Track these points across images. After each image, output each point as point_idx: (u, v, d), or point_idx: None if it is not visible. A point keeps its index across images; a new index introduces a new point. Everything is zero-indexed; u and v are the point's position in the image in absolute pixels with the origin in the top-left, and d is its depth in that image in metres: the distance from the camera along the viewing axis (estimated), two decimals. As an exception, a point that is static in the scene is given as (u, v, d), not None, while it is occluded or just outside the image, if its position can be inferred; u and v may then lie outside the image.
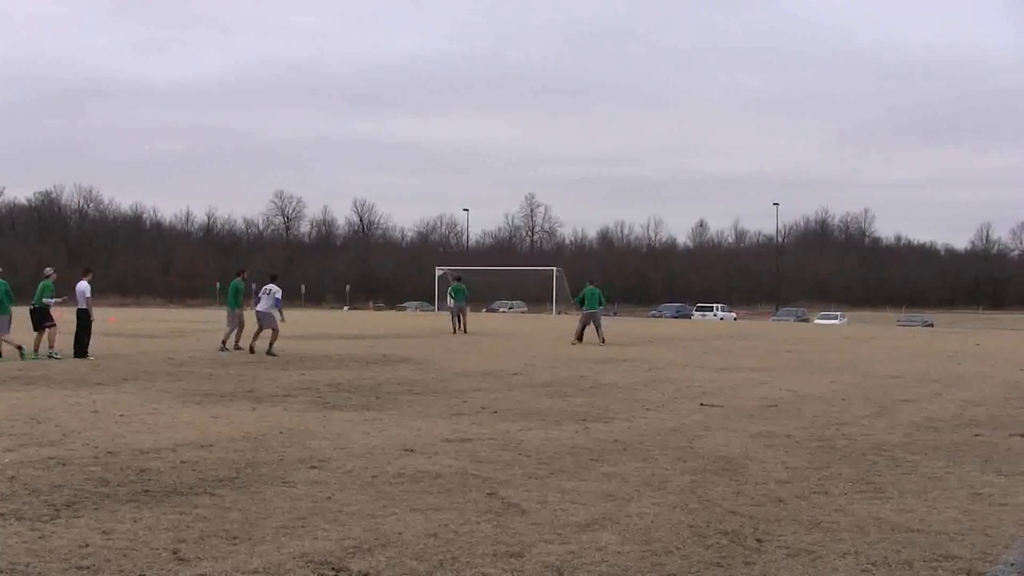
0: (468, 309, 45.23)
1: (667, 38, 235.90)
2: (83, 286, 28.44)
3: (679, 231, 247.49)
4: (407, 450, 11.85)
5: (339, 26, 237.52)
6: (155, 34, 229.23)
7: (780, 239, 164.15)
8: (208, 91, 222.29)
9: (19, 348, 25.72)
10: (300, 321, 46.52)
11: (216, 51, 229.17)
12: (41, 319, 27.71)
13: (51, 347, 27.12)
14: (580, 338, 36.83)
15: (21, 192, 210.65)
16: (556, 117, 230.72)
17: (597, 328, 36.61)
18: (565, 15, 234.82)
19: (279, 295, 29.77)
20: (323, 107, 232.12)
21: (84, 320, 27.68)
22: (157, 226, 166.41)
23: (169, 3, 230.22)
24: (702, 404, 17.37)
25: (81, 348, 27.06)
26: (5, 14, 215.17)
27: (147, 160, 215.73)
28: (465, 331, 42.80)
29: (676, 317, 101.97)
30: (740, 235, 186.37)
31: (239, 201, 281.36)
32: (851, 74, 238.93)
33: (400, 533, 7.88)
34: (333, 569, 6.94)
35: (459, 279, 45.81)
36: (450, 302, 45.25)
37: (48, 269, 28.87)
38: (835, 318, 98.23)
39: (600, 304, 37.31)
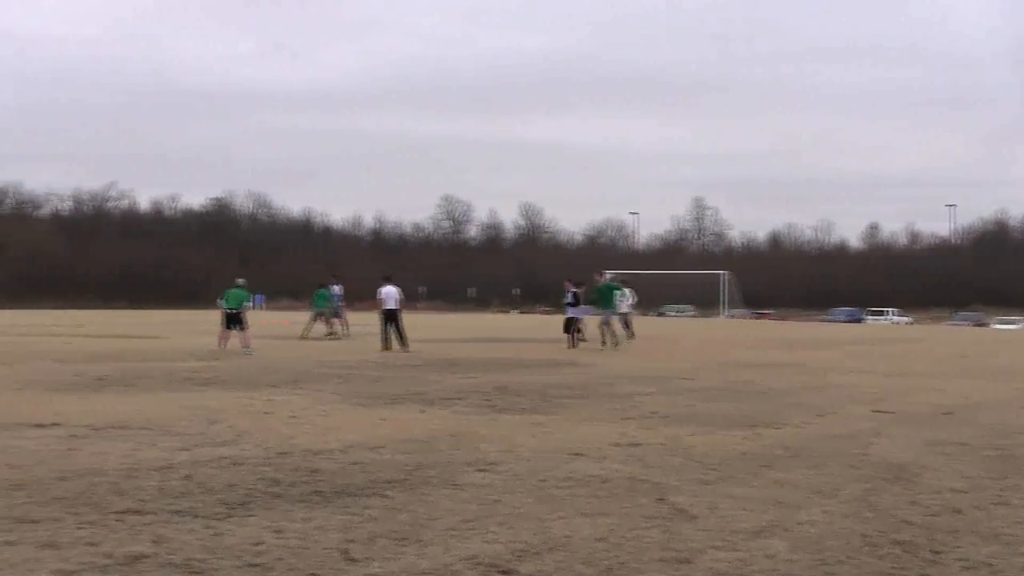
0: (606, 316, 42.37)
1: (812, 33, 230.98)
2: (391, 290, 32.56)
3: (850, 233, 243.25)
4: (575, 454, 11.84)
5: (473, 27, 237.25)
6: (286, 39, 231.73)
7: (955, 241, 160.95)
8: (347, 95, 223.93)
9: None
10: (468, 325, 46.78)
11: (353, 55, 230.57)
12: (236, 321, 30.69)
13: (245, 346, 28.61)
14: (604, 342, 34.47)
15: (195, 198, 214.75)
16: (710, 116, 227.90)
17: (604, 326, 34.68)
18: (712, 14, 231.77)
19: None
20: (468, 109, 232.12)
21: (395, 317, 31.98)
22: (326, 231, 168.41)
23: (303, 8, 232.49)
24: (874, 410, 17.09)
25: (403, 340, 31.77)
26: (144, 24, 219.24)
27: (303, 165, 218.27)
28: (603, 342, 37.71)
29: (848, 322, 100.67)
30: (913, 237, 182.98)
31: (404, 205, 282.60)
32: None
33: (568, 537, 7.88)
34: (501, 572, 6.96)
35: (624, 280, 41.81)
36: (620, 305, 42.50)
37: (240, 279, 31.53)
38: (1015, 323, 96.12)
39: (609, 304, 35.08)
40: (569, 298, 34.69)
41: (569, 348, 32.86)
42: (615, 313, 34.91)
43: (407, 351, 30.57)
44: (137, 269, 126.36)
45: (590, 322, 35.86)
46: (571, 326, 34.06)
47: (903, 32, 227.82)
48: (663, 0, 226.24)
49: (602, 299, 35.14)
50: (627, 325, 38.79)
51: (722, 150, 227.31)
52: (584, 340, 34.07)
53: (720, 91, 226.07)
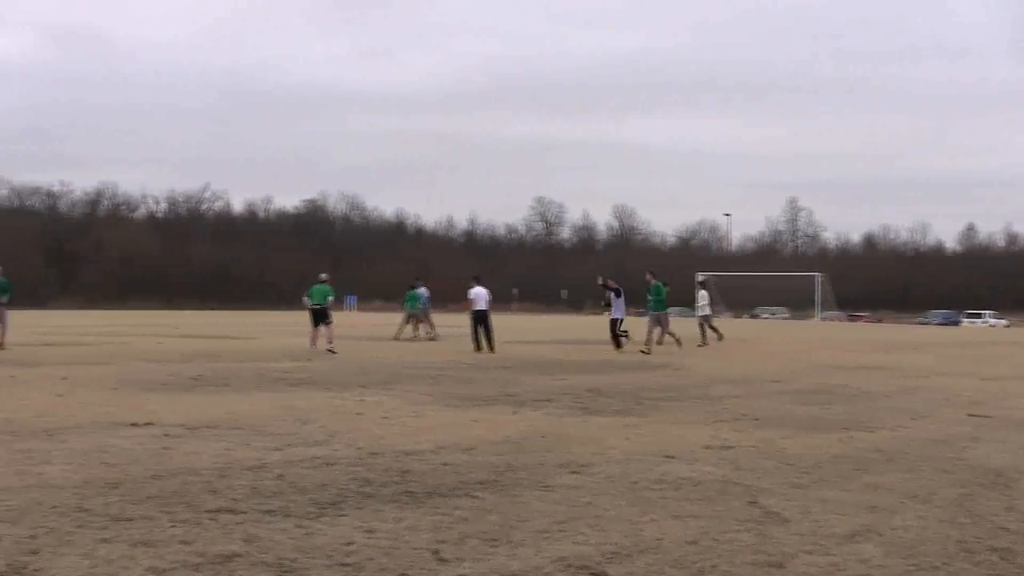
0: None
1: (907, 31, 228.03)
2: (481, 291, 32.91)
3: (946, 235, 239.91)
4: (667, 456, 11.79)
5: (562, 27, 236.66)
6: (377, 42, 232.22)
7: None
8: (440, 96, 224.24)
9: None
10: (560, 326, 46.75)
11: (437, 57, 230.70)
12: (322, 318, 31.19)
13: (329, 342, 29.00)
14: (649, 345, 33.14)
15: (288, 200, 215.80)
16: (804, 116, 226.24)
17: (649, 330, 33.55)
18: (804, 13, 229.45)
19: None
20: (560, 110, 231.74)
21: (484, 319, 32.37)
22: (419, 232, 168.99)
23: (387, 11, 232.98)
24: (970, 414, 16.87)
25: (490, 342, 32.00)
26: (238, 27, 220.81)
27: (396, 166, 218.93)
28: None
29: (944, 324, 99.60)
30: (1011, 239, 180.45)
31: (497, 206, 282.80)
32: None
33: (659, 539, 7.84)
34: (592, 574, 6.93)
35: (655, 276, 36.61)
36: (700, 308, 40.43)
37: (323, 275, 31.73)
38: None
39: (652, 305, 34.12)
40: (611, 298, 33.57)
41: (616, 350, 32.13)
42: (660, 314, 34.12)
43: (492, 353, 30.61)
44: (231, 270, 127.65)
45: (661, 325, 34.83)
46: (615, 327, 33.24)
47: (1001, 31, 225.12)
48: (753, 1, 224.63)
49: (652, 300, 34.31)
50: (704, 328, 38.15)
51: (816, 150, 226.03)
52: (628, 340, 33.30)
53: (813, 91, 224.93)
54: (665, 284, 34.43)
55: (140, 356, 27.53)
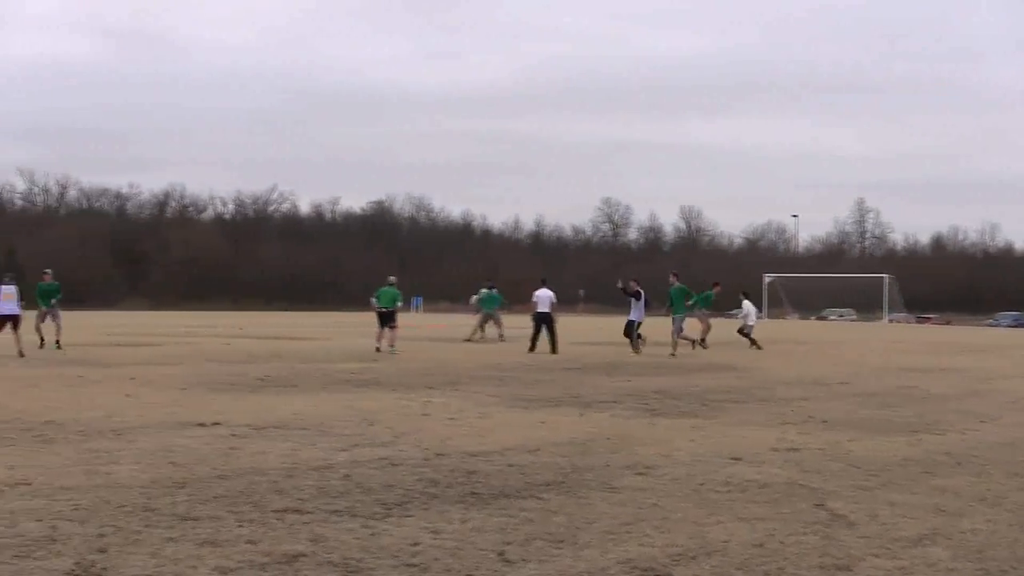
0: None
1: (974, 31, 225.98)
2: (545, 293, 33.13)
3: (1017, 236, 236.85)
4: (733, 459, 11.75)
5: (627, 27, 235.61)
6: (441, 42, 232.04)
7: None
8: (505, 97, 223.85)
9: None
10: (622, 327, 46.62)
11: (503, 57, 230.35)
12: (388, 320, 31.73)
13: (391, 344, 29.35)
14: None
15: (355, 201, 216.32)
16: (871, 116, 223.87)
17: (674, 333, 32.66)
18: (870, 13, 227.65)
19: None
20: (626, 110, 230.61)
21: (548, 320, 32.57)
22: (486, 234, 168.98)
23: (450, 11, 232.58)
24: (1040, 417, 16.75)
25: (553, 344, 31.96)
26: (303, 31, 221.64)
27: (462, 167, 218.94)
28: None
29: (1014, 326, 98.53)
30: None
31: (564, 207, 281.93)
32: None
33: (725, 542, 7.81)
34: (657, 575, 6.94)
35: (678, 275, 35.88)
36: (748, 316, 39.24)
37: (392, 278, 32.34)
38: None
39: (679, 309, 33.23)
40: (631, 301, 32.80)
41: (634, 353, 31.46)
42: (684, 318, 33.45)
43: (555, 354, 30.55)
44: (298, 271, 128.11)
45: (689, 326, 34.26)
46: (632, 329, 32.60)
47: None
48: (818, 1, 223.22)
49: (672, 303, 33.54)
50: (744, 333, 37.46)
51: (885, 151, 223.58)
52: (643, 342, 32.89)
53: (881, 91, 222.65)
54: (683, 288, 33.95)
55: (207, 357, 27.71)
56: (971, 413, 17.13)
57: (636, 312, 32.24)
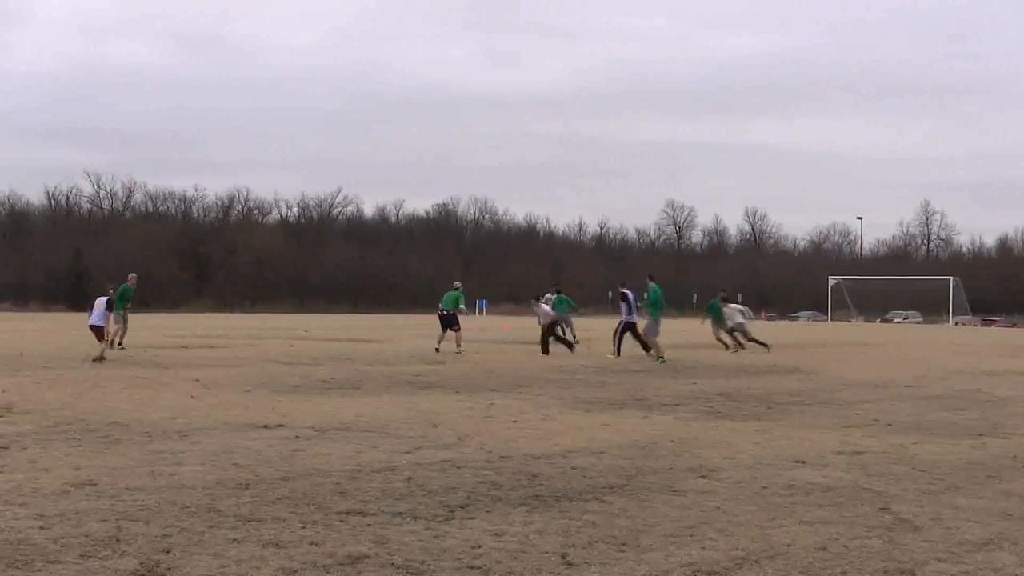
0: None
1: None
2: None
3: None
4: (797, 461, 11.71)
5: (690, 28, 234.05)
6: (504, 44, 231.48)
7: None
8: (569, 98, 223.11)
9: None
10: (689, 329, 46.51)
11: (565, 58, 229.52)
12: (449, 323, 32.03)
13: (457, 345, 29.45)
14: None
15: (420, 203, 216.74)
16: (936, 117, 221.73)
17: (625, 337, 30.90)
18: (939, 14, 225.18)
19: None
20: (681, 110, 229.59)
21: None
22: (550, 236, 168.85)
23: (515, 12, 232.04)
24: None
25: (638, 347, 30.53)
26: (367, 33, 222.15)
27: (526, 169, 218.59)
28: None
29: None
30: None
31: (628, 209, 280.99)
32: None
33: (789, 545, 7.79)
34: (719, 580, 6.92)
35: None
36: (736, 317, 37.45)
37: (457, 283, 32.61)
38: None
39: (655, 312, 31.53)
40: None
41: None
42: (658, 320, 32.64)
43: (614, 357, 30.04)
44: (362, 274, 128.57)
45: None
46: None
47: None
48: (885, 1, 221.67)
49: (650, 305, 32.75)
50: (736, 336, 36.46)
51: (950, 152, 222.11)
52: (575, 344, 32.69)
53: (944, 91, 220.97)
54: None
55: (272, 359, 27.84)
56: (1038, 416, 16.99)
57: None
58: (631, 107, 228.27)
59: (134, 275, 32.85)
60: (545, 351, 31.71)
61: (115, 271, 33.72)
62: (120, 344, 30.17)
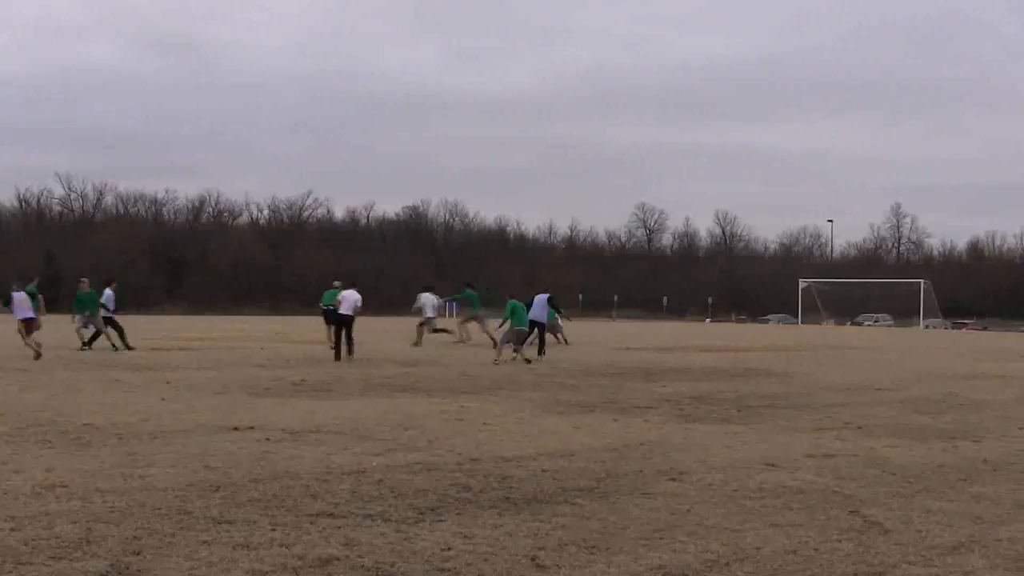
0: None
1: (1013, 34, 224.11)
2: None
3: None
4: (768, 465, 11.73)
5: (661, 31, 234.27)
6: (475, 46, 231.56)
7: None
8: (539, 102, 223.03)
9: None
10: (661, 333, 46.62)
11: (536, 61, 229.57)
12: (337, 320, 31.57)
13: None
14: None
15: (390, 206, 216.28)
16: (906, 120, 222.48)
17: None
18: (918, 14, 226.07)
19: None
20: (654, 114, 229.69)
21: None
22: (520, 239, 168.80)
23: (486, 15, 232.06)
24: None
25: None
26: (337, 36, 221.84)
27: (497, 172, 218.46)
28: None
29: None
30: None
31: (598, 213, 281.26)
32: None
33: (759, 548, 7.80)
34: (690, 582, 6.93)
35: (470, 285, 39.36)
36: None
37: (337, 282, 33.36)
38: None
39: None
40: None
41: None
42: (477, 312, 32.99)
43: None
44: (333, 277, 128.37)
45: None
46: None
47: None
48: (856, 2, 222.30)
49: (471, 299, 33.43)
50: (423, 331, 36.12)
51: (920, 156, 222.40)
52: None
53: (915, 95, 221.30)
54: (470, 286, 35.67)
55: (244, 361, 27.80)
56: (1011, 419, 17.05)
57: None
58: (601, 110, 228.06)
59: (86, 280, 32.91)
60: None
61: (91, 273, 33.67)
62: (115, 346, 30.39)
